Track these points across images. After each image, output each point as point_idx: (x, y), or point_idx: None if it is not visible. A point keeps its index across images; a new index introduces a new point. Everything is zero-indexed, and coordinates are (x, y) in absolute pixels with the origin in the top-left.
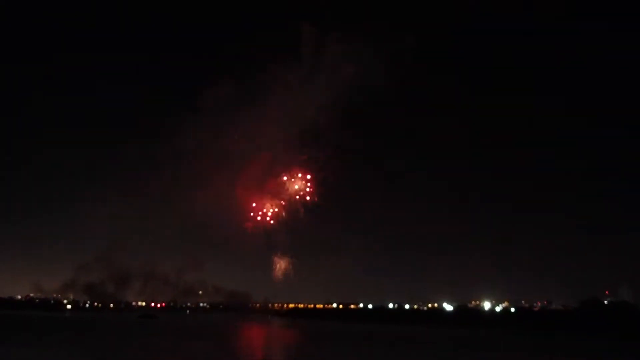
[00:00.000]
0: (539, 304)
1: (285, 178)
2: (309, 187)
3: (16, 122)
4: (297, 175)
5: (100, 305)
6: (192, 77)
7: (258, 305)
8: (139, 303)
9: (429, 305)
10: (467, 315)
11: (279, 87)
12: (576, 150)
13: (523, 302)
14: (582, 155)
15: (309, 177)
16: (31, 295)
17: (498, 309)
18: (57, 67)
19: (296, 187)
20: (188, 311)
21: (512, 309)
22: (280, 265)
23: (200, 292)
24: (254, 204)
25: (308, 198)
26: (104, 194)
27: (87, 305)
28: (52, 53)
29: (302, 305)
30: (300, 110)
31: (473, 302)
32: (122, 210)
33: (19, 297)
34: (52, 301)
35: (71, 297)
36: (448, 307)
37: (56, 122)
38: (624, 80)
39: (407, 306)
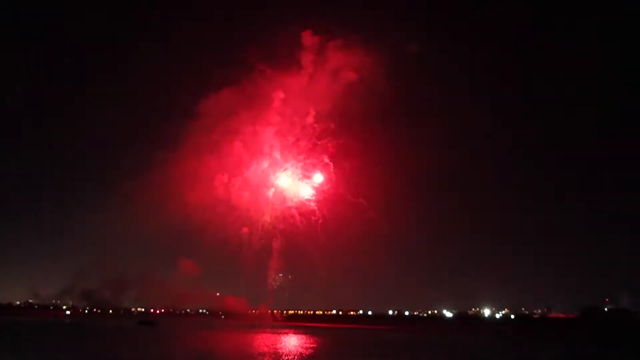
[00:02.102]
0: (539, 311)
1: (282, 183)
2: (306, 193)
3: (13, 131)
4: (294, 180)
5: (99, 311)
6: (192, 84)
7: (256, 311)
8: (138, 309)
9: (429, 312)
10: (467, 322)
11: (278, 93)
12: (573, 158)
13: (523, 309)
14: (580, 163)
15: (306, 182)
16: (30, 301)
17: (498, 316)
18: (56, 72)
19: (293, 192)
20: (188, 316)
21: (512, 316)
22: (276, 275)
23: (197, 297)
24: (250, 209)
25: (305, 204)
26: (102, 201)
27: (87, 311)
28: (54, 59)
29: (301, 312)
30: (299, 117)
31: (473, 309)
32: (119, 216)
33: (18, 302)
34: (51, 307)
35: (70, 303)
36: (448, 314)
37: (54, 129)
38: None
39: (407, 313)
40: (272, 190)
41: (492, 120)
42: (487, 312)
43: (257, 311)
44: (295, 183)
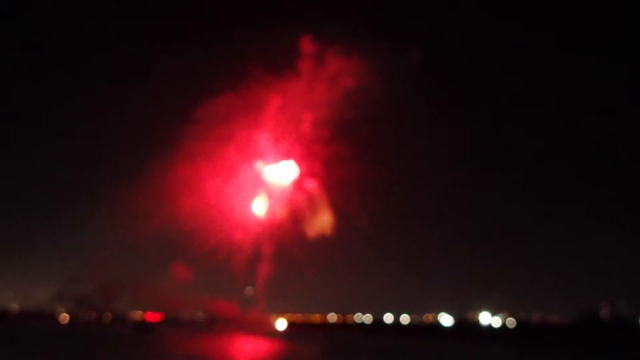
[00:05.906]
0: (537, 315)
1: (276, 188)
2: (300, 198)
3: (3, 131)
4: (288, 186)
5: (93, 317)
6: (188, 88)
7: (250, 317)
8: (134, 315)
9: (426, 317)
10: (466, 329)
11: (275, 99)
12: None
13: (520, 313)
14: (578, 164)
15: (300, 188)
16: (21, 307)
17: (496, 320)
18: (49, 73)
19: (285, 198)
20: (182, 323)
21: (510, 321)
22: (265, 275)
23: (190, 303)
24: (242, 214)
25: (298, 209)
26: (94, 205)
27: (80, 317)
28: (45, 63)
29: (294, 316)
30: (295, 123)
31: (470, 312)
32: (111, 221)
33: (9, 308)
34: (44, 313)
35: (62, 309)
36: (446, 322)
37: (45, 131)
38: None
39: (404, 316)
40: (265, 195)
41: (492, 129)
42: (485, 316)
43: (249, 316)
44: (288, 189)
